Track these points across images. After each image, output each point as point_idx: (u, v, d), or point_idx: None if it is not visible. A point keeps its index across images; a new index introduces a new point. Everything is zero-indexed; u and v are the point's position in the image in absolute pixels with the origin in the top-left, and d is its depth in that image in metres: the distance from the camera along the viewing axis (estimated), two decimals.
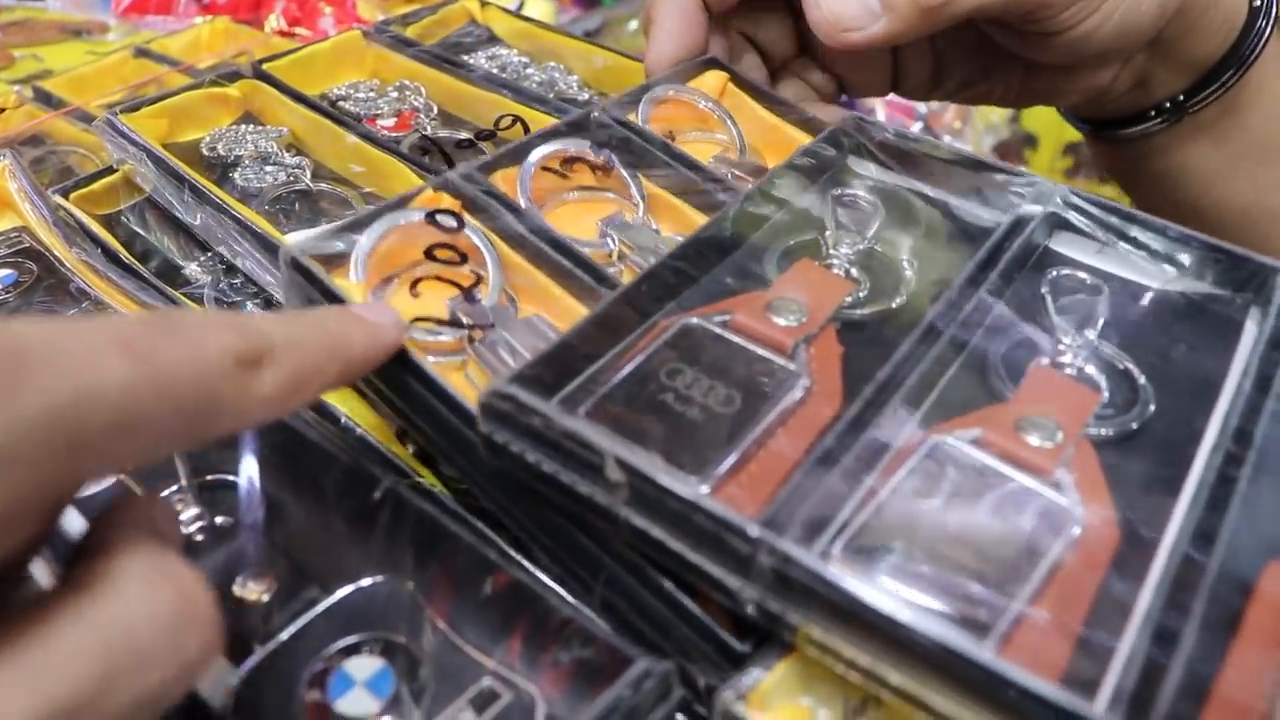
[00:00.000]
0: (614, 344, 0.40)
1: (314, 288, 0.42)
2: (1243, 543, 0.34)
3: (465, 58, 0.73)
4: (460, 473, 0.41)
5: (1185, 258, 0.46)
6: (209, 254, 0.56)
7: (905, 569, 0.32)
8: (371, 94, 0.68)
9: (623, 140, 0.54)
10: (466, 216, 0.47)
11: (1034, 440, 0.36)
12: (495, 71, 0.71)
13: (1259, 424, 0.37)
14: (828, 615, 0.31)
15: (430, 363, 0.40)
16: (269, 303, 0.54)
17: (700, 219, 0.49)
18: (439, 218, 0.46)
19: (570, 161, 0.53)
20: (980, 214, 0.49)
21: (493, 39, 0.79)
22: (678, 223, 0.51)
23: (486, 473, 0.39)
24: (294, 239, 0.43)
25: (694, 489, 0.33)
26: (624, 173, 0.52)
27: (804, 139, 0.56)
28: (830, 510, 0.33)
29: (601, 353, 0.39)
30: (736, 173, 0.55)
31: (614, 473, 0.34)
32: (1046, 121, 1.27)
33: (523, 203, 0.49)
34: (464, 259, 0.46)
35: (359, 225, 0.45)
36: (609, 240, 0.50)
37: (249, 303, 0.54)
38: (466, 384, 0.43)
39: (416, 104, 0.67)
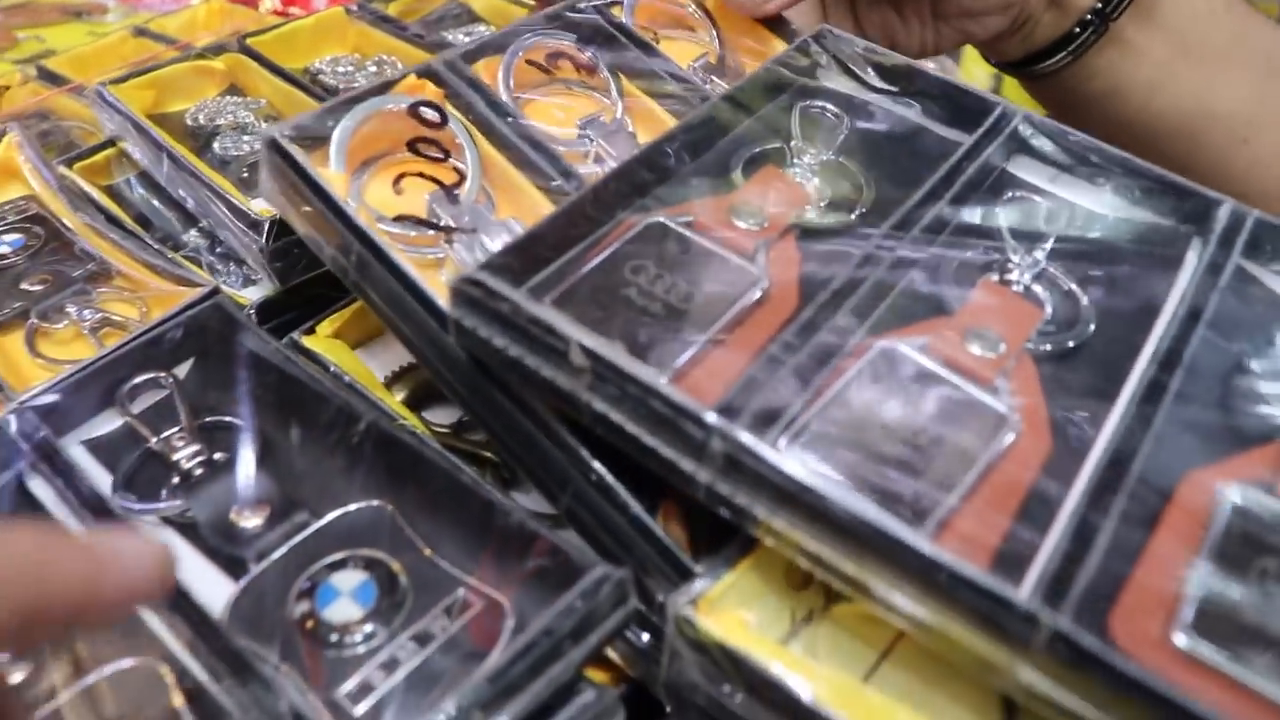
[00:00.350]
0: (582, 238, 0.41)
1: (294, 172, 0.43)
2: (1166, 453, 0.36)
3: (444, 34, 0.75)
4: (436, 376, 0.42)
5: (1136, 188, 0.47)
6: (205, 222, 0.57)
7: (849, 461, 0.34)
8: (350, 68, 0.69)
9: (607, 37, 0.55)
10: (449, 108, 0.48)
11: (977, 350, 0.39)
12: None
13: (1189, 346, 0.39)
14: (774, 499, 0.33)
15: (407, 257, 0.41)
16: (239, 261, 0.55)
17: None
18: (423, 110, 0.47)
19: (554, 56, 0.54)
20: (943, 132, 0.51)
21: (472, 16, 0.81)
22: (654, 127, 0.52)
23: (465, 381, 0.41)
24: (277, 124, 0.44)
25: (654, 376, 0.34)
26: (605, 74, 0.53)
27: (783, 46, 0.57)
28: (781, 404, 0.35)
29: (569, 246, 0.41)
30: (715, 79, 0.56)
31: (578, 358, 0.35)
32: (1024, 100, 1.29)
33: (504, 95, 0.50)
34: (446, 155, 0.47)
35: (340, 109, 0.46)
36: (586, 140, 0.51)
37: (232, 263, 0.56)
38: (442, 285, 0.44)
39: (393, 77, 0.68)
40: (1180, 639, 0.31)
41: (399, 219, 0.44)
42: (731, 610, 0.34)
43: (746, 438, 0.33)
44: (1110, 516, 0.33)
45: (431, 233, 0.44)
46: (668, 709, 0.37)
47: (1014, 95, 1.28)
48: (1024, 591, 0.30)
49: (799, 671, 0.32)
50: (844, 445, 0.35)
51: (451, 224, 0.45)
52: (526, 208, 0.47)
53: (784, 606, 0.36)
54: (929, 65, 1.31)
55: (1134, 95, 0.68)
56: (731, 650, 0.33)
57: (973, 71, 1.32)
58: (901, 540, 0.31)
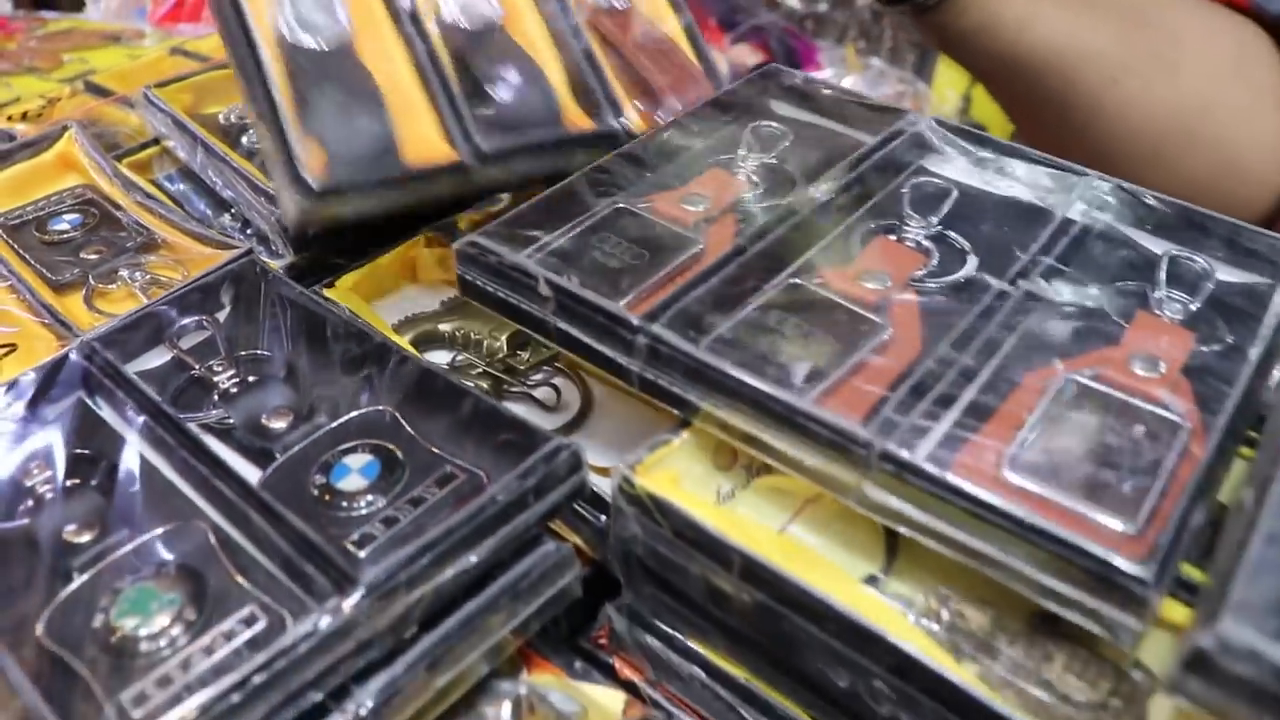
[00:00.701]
0: (561, 221, 0.51)
1: None
2: (1017, 355, 0.44)
3: None
4: None
5: (1021, 168, 0.56)
6: (236, 208, 0.66)
7: (753, 352, 0.43)
8: None
9: None
10: None
11: (868, 284, 0.47)
12: None
13: (1040, 275, 0.48)
14: (687, 377, 0.42)
15: None
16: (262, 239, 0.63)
17: None
18: None
19: None
20: (866, 140, 0.60)
21: None
22: None
23: None
24: None
25: (597, 296, 0.44)
26: None
27: None
28: (700, 315, 0.45)
29: (546, 224, 0.50)
30: None
31: (544, 289, 0.45)
32: (991, 111, 1.38)
33: None
34: None
35: None
36: None
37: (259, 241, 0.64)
38: None
39: None
40: (1007, 474, 0.39)
41: None
42: (664, 472, 0.43)
43: (662, 331, 0.42)
44: (967, 394, 0.42)
45: None
46: (621, 579, 0.45)
47: (983, 108, 1.38)
48: (871, 431, 0.39)
49: (719, 519, 0.41)
50: (749, 342, 0.44)
51: None
52: None
53: (710, 482, 0.44)
54: (900, 86, 1.41)
55: (1005, 31, 0.73)
56: (661, 500, 0.41)
57: (944, 93, 1.42)
58: (787, 401, 0.40)
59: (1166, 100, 0.75)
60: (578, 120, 0.63)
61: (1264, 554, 0.33)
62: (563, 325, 0.45)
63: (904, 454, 0.38)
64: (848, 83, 1.35)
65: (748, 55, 1.37)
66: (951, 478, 0.37)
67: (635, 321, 0.43)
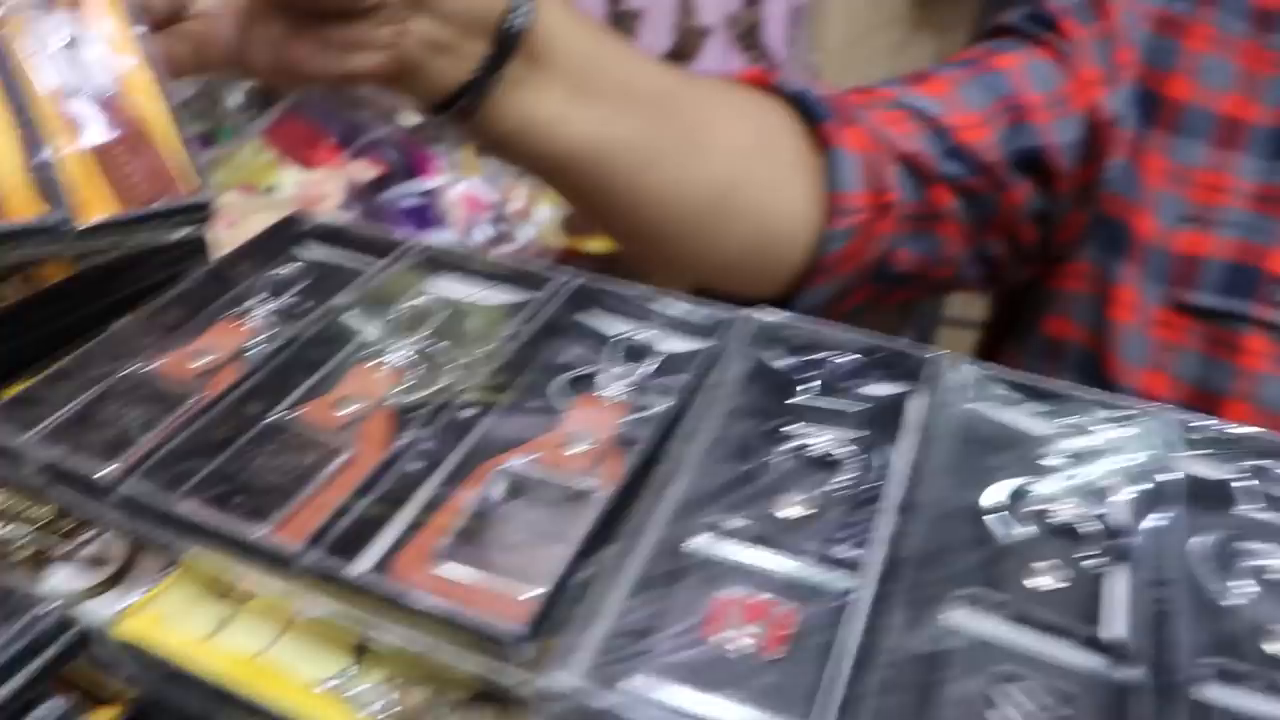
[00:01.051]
0: (70, 393, 0.55)
1: None
2: (466, 458, 0.51)
3: None
4: None
5: (492, 280, 0.64)
6: None
7: (222, 492, 0.49)
8: None
9: None
10: None
11: (342, 411, 0.53)
12: None
13: (489, 381, 0.55)
14: (161, 524, 0.48)
15: None
16: None
17: None
18: None
19: None
20: (374, 267, 0.66)
21: None
22: None
23: None
24: None
25: (76, 468, 0.49)
26: None
27: None
28: (176, 464, 0.50)
29: (54, 398, 0.55)
30: None
31: (29, 466, 0.50)
32: None
33: None
34: None
35: None
36: None
37: None
38: None
39: None
40: (436, 569, 0.45)
41: None
42: (151, 613, 0.47)
43: (134, 486, 0.47)
44: (414, 499, 0.48)
45: None
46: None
47: None
48: (307, 549, 0.44)
49: (192, 651, 0.46)
50: (219, 483, 0.49)
51: None
52: None
53: (208, 611, 0.48)
54: (515, 184, 1.46)
55: (539, 131, 0.77)
56: (131, 644, 0.46)
57: None
58: (243, 538, 0.46)
59: (699, 180, 0.82)
60: (19, 211, 0.58)
61: (589, 607, 0.40)
62: (56, 493, 0.50)
63: (333, 566, 0.44)
64: (464, 185, 1.43)
65: (364, 170, 1.43)
66: (371, 581, 0.43)
67: (107, 483, 0.48)
